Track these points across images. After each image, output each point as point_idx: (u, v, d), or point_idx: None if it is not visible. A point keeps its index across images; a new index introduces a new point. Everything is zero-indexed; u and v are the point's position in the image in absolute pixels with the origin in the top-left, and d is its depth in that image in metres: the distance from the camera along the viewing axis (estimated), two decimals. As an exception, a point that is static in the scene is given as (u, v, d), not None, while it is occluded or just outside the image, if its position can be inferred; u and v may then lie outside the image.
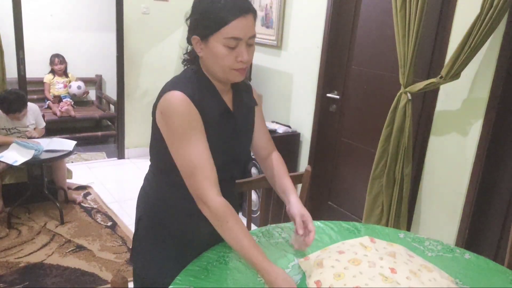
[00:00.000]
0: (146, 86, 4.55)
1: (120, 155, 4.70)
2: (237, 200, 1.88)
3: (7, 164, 3.07)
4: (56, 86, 5.19)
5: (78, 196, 3.64)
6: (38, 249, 2.90)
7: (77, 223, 3.27)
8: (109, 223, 3.30)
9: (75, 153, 4.58)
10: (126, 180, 4.24)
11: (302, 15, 3.33)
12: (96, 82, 5.63)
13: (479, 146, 2.23)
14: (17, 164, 3.01)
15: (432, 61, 2.49)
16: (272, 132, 3.31)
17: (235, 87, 1.39)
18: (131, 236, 2.76)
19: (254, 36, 1.24)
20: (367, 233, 1.58)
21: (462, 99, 2.30)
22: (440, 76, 2.21)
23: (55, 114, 4.98)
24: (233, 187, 1.54)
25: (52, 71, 5.20)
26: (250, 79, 3.75)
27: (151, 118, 1.34)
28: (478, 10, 2.00)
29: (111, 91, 5.51)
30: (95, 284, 2.59)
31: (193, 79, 1.29)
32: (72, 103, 5.18)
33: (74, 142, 3.41)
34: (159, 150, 1.31)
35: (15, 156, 3.05)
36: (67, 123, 5.12)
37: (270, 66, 3.71)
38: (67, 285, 2.57)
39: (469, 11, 2.14)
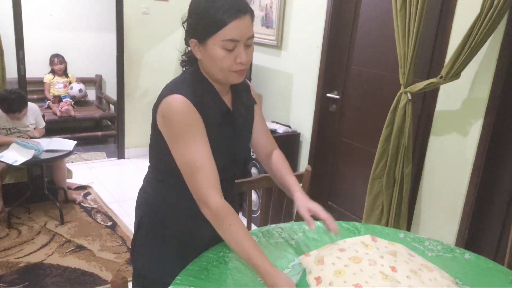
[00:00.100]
0: (146, 86, 4.55)
1: (120, 155, 4.70)
2: (238, 200, 1.89)
3: (7, 164, 3.07)
4: (56, 86, 5.19)
5: (78, 196, 3.64)
6: (38, 249, 2.90)
7: (77, 223, 3.27)
8: (109, 223, 3.30)
9: (75, 153, 4.57)
10: (126, 180, 4.24)
11: (302, 15, 3.33)
12: (96, 82, 5.63)
13: (479, 146, 2.23)
14: (17, 164, 3.01)
15: (432, 61, 2.49)
16: (272, 132, 3.31)
17: (234, 87, 1.39)
18: (131, 236, 2.76)
19: (252, 37, 1.24)
20: (367, 233, 1.58)
21: (462, 99, 2.30)
22: (440, 76, 2.21)
23: (55, 114, 4.98)
24: (234, 186, 1.54)
25: (52, 71, 5.20)
26: (250, 79, 3.75)
27: (151, 118, 1.34)
28: (478, 10, 2.00)
29: (111, 91, 5.51)
30: (95, 284, 2.59)
31: (193, 81, 1.29)
32: (72, 103, 5.18)
33: (74, 142, 3.41)
34: (159, 151, 1.31)
35: (15, 156, 3.05)
36: (67, 123, 5.12)
37: (270, 66, 3.71)
38: (67, 285, 2.57)
39: (469, 11, 2.14)
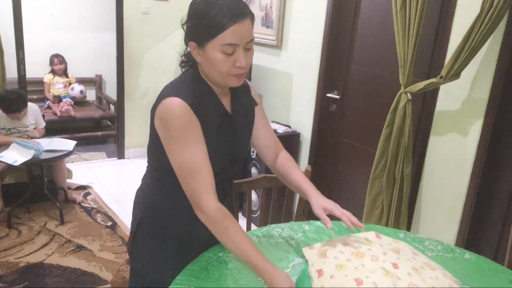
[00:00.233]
0: (146, 86, 4.55)
1: (120, 155, 4.70)
2: (237, 200, 1.89)
3: (7, 164, 3.07)
4: (56, 86, 5.18)
5: (78, 196, 3.64)
6: (38, 249, 2.90)
7: (77, 223, 3.28)
8: (109, 223, 3.30)
9: (75, 153, 4.57)
10: (126, 180, 4.24)
11: (302, 15, 3.33)
12: (96, 82, 5.63)
13: (479, 146, 2.23)
14: (17, 164, 3.01)
15: (432, 61, 2.49)
16: (272, 132, 3.31)
17: (233, 89, 1.38)
18: (131, 236, 2.76)
19: (252, 40, 1.22)
20: (368, 233, 1.58)
21: (462, 99, 2.30)
22: (440, 76, 2.21)
23: (55, 114, 4.98)
24: (233, 186, 1.54)
25: (52, 71, 5.20)
26: (250, 79, 3.75)
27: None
28: (478, 10, 2.00)
29: (111, 91, 5.51)
30: (95, 284, 2.59)
31: (191, 83, 1.28)
32: (72, 103, 5.18)
33: (74, 142, 3.41)
34: (157, 151, 1.31)
35: (15, 156, 3.05)
36: (67, 123, 5.12)
37: (270, 66, 3.71)
38: (67, 285, 2.57)
39: (469, 11, 2.14)
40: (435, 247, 1.56)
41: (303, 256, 1.40)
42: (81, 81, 5.40)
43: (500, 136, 2.21)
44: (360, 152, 3.04)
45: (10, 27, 3.64)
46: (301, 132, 3.42)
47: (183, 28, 1.27)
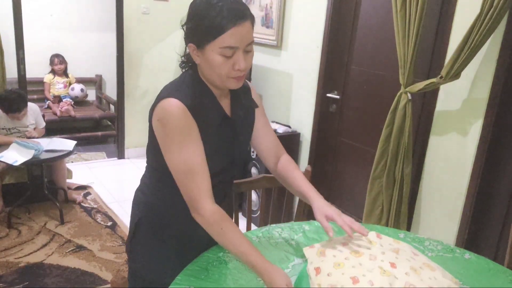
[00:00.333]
0: (146, 86, 4.55)
1: (120, 155, 4.70)
2: (237, 200, 1.89)
3: (7, 164, 3.07)
4: (56, 86, 5.19)
5: (78, 196, 3.64)
6: (38, 249, 2.90)
7: (77, 223, 3.28)
8: (109, 223, 3.30)
9: (75, 153, 4.57)
10: (126, 180, 4.24)
11: (302, 15, 3.33)
12: (96, 82, 5.63)
13: (479, 146, 2.23)
14: (17, 164, 3.01)
15: (432, 61, 2.49)
16: (272, 132, 3.31)
17: (234, 90, 1.36)
18: (131, 236, 2.76)
19: (252, 43, 1.21)
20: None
21: (462, 99, 2.30)
22: (440, 76, 2.21)
23: (55, 114, 4.98)
24: (232, 187, 1.54)
25: (53, 71, 5.20)
26: (250, 79, 3.75)
27: (149, 119, 1.34)
28: (478, 10, 2.00)
29: (111, 91, 5.51)
30: (95, 284, 2.59)
31: (190, 85, 1.27)
32: (72, 103, 5.18)
33: (74, 142, 3.41)
34: (157, 152, 1.30)
35: (15, 156, 3.05)
36: (67, 123, 5.12)
37: (270, 66, 3.71)
38: (67, 285, 2.57)
39: (469, 11, 2.14)
40: (435, 247, 1.56)
41: (303, 256, 1.40)
42: (81, 81, 5.40)
43: (500, 136, 2.21)
44: (360, 152, 3.04)
45: (10, 27, 3.64)
46: (301, 132, 3.42)
47: (183, 29, 1.26)
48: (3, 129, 3.34)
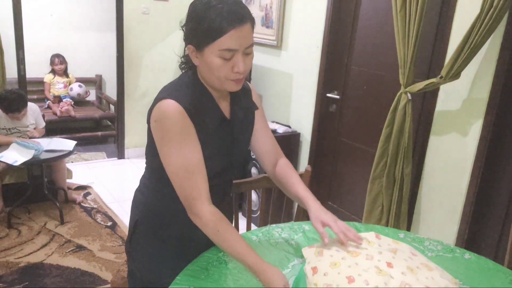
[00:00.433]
0: (146, 86, 4.55)
1: (120, 155, 4.70)
2: (236, 200, 1.89)
3: (7, 164, 3.07)
4: (56, 86, 5.19)
5: (78, 196, 3.64)
6: (38, 249, 2.90)
7: (77, 223, 3.27)
8: (109, 223, 3.30)
9: (75, 153, 4.57)
10: (126, 180, 4.24)
11: (302, 15, 3.33)
12: (96, 82, 5.63)
13: (479, 146, 2.23)
14: (17, 164, 3.01)
15: (432, 61, 2.49)
16: (272, 132, 3.31)
17: (233, 92, 1.34)
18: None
19: (251, 45, 1.20)
20: (367, 233, 1.58)
21: (462, 99, 2.30)
22: (440, 76, 2.21)
23: (55, 114, 4.98)
24: (231, 188, 1.54)
25: (53, 71, 5.20)
26: (250, 79, 3.75)
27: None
28: (478, 10, 2.00)
29: (111, 91, 5.51)
30: (95, 284, 2.59)
31: (189, 86, 1.26)
32: (72, 103, 5.18)
33: (74, 142, 3.41)
34: (156, 152, 1.30)
35: (15, 156, 3.05)
36: (67, 123, 5.12)
37: (270, 66, 3.71)
38: (67, 285, 2.57)
39: (469, 11, 2.14)
40: (435, 247, 1.56)
41: (303, 256, 1.40)
42: (81, 81, 5.39)
43: (500, 136, 2.21)
44: (360, 152, 3.04)
45: (10, 27, 3.64)
46: (301, 132, 3.42)
47: (183, 30, 1.25)
48: (3, 129, 3.34)
